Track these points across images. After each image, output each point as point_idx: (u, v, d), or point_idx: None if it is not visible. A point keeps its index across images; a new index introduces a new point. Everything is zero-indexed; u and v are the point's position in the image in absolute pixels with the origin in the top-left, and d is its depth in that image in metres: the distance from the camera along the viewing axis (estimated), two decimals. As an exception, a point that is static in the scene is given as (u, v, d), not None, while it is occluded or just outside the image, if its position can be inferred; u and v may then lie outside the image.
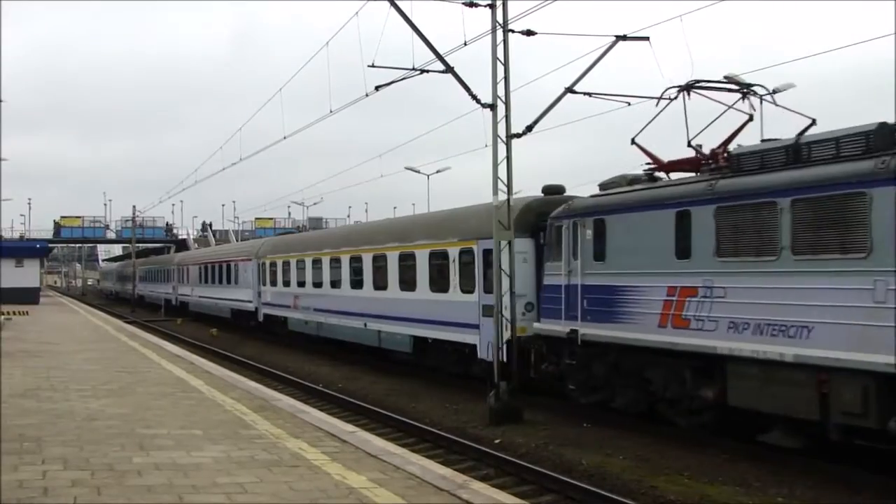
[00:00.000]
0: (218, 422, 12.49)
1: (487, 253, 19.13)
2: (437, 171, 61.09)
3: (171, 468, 9.35)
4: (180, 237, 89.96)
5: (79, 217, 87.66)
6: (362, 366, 27.03)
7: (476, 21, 17.68)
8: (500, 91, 17.49)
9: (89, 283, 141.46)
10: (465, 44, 18.11)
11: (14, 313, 42.12)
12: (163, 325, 46.80)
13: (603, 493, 11.74)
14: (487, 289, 19.19)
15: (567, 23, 22.87)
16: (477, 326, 19.89)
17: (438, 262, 22.00)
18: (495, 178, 17.62)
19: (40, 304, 55.59)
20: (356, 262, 27.21)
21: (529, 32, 18.13)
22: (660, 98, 16.09)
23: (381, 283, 25.21)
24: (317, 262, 30.93)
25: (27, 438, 10.81)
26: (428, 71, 18.49)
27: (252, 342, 36.88)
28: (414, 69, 18.42)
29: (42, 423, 11.96)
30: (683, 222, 14.31)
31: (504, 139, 17.64)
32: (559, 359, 17.40)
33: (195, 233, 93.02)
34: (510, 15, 17.50)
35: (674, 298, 14.36)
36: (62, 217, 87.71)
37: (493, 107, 17.56)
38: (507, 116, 17.60)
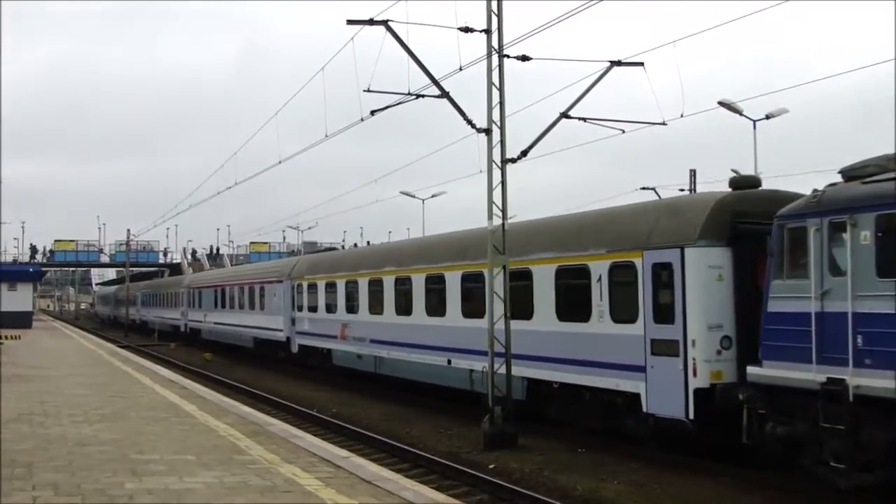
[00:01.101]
0: (211, 447, 12.42)
1: (659, 268, 14.93)
2: (433, 196, 61.18)
3: (164, 494, 9.27)
4: (175, 261, 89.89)
5: (72, 241, 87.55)
6: (356, 391, 26.88)
7: (472, 46, 17.64)
8: (496, 116, 17.55)
9: (82, 307, 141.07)
10: (461, 69, 18.22)
11: (7, 337, 41.95)
12: (156, 350, 46.59)
13: (598, 519, 11.67)
14: (661, 318, 14.85)
15: (562, 48, 22.77)
16: (642, 369, 15.04)
17: (570, 282, 17.23)
18: (490, 203, 17.63)
19: (33, 329, 55.38)
20: (436, 282, 22.08)
21: (525, 58, 18.27)
22: None
23: (474, 310, 19.96)
24: (375, 283, 25.60)
25: (18, 464, 10.73)
26: (423, 96, 18.56)
27: (245, 367, 36.72)
28: (409, 94, 18.49)
29: (34, 449, 11.87)
30: None
31: (499, 164, 17.69)
32: (793, 419, 12.47)
33: (190, 258, 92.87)
34: (505, 40, 17.64)
35: None
36: (55, 241, 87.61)
37: (488, 132, 17.62)
38: (503, 141, 17.66)
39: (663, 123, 19.01)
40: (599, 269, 16.22)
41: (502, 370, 17.46)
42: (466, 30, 17.59)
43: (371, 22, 17.75)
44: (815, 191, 12.42)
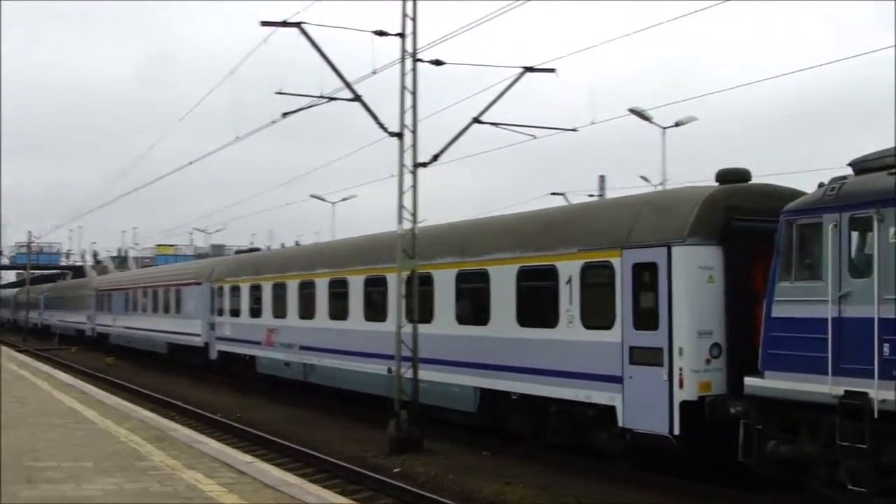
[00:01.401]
0: (111, 453, 12.13)
1: (641, 269, 13.58)
2: (343, 199, 60.81)
3: (61, 501, 9.01)
4: (77, 263, 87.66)
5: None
6: (261, 395, 26.56)
7: (386, 50, 17.60)
8: (408, 120, 17.58)
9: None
10: (374, 72, 18.22)
11: None
12: (56, 354, 45.29)
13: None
14: (642, 324, 13.51)
15: (476, 54, 22.83)
16: (618, 379, 13.71)
17: (534, 284, 15.85)
18: (400, 206, 17.65)
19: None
20: (376, 284, 20.63)
21: (438, 62, 18.35)
22: None
23: (420, 314, 17.88)
24: (306, 286, 24.10)
25: None
26: (336, 99, 18.47)
27: (153, 372, 35.97)
28: (322, 97, 18.39)
29: (-79, 456, 11.42)
30: None
31: (410, 168, 17.71)
32: (798, 436, 11.32)
33: (92, 260, 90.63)
34: (420, 44, 17.67)
35: None
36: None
37: (400, 135, 17.63)
38: (414, 145, 17.70)
39: (574, 130, 19.31)
40: (569, 269, 14.87)
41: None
42: (381, 33, 17.61)
43: (285, 24, 17.62)
44: (822, 184, 11.30)
